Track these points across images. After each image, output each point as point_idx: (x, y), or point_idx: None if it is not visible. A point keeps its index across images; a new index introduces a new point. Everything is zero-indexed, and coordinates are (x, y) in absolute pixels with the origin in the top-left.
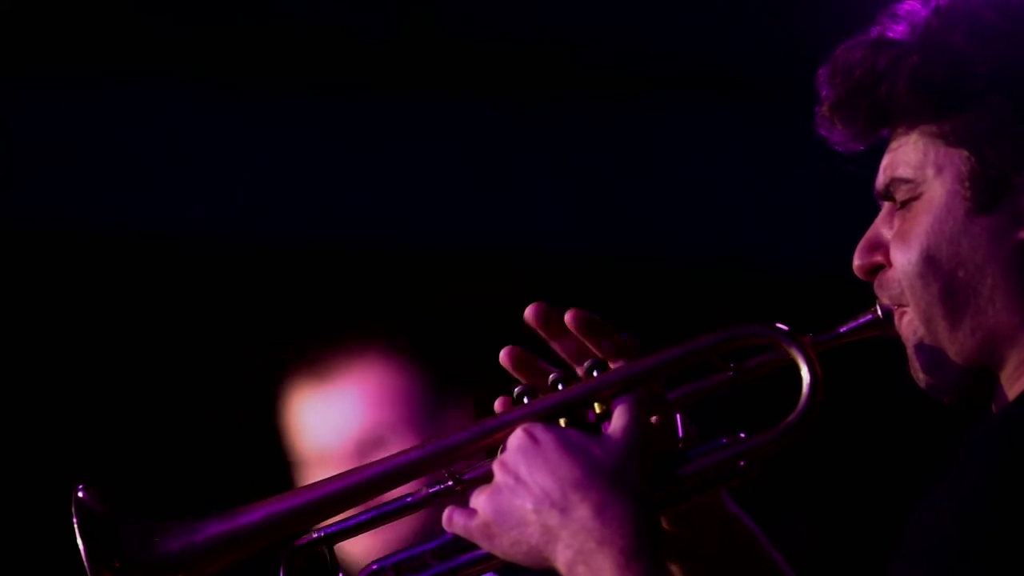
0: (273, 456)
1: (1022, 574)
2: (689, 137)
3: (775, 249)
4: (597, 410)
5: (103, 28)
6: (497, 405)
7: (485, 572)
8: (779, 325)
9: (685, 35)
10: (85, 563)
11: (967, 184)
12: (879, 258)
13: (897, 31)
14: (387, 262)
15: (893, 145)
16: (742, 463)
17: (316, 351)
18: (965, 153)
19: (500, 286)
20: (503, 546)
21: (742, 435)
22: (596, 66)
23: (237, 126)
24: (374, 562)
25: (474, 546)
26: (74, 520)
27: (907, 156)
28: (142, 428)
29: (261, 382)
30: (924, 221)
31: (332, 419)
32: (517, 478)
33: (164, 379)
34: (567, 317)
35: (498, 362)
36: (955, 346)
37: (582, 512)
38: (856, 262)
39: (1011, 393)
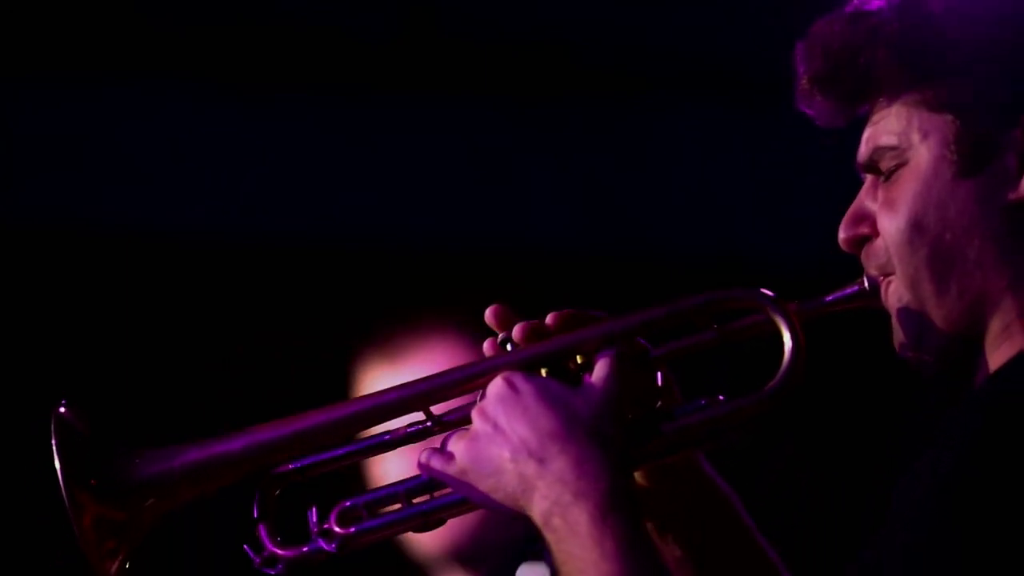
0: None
1: (1004, 551)
2: (689, 137)
3: (775, 249)
4: (579, 361)
5: (103, 28)
6: (485, 347)
7: (457, 515)
8: (764, 291)
9: (685, 35)
10: (60, 480)
11: (953, 148)
12: (865, 229)
13: (874, 3)
14: (387, 262)
15: (875, 117)
16: (721, 426)
17: (320, 349)
18: (950, 118)
19: (500, 286)
20: (478, 493)
21: (721, 398)
22: (596, 66)
23: (237, 126)
24: (347, 499)
25: (448, 490)
26: (52, 437)
27: (890, 125)
28: (141, 428)
29: (259, 381)
30: (911, 187)
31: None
32: (496, 426)
33: (164, 378)
34: (548, 321)
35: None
36: (941, 311)
37: (559, 464)
38: (842, 235)
39: (993, 360)
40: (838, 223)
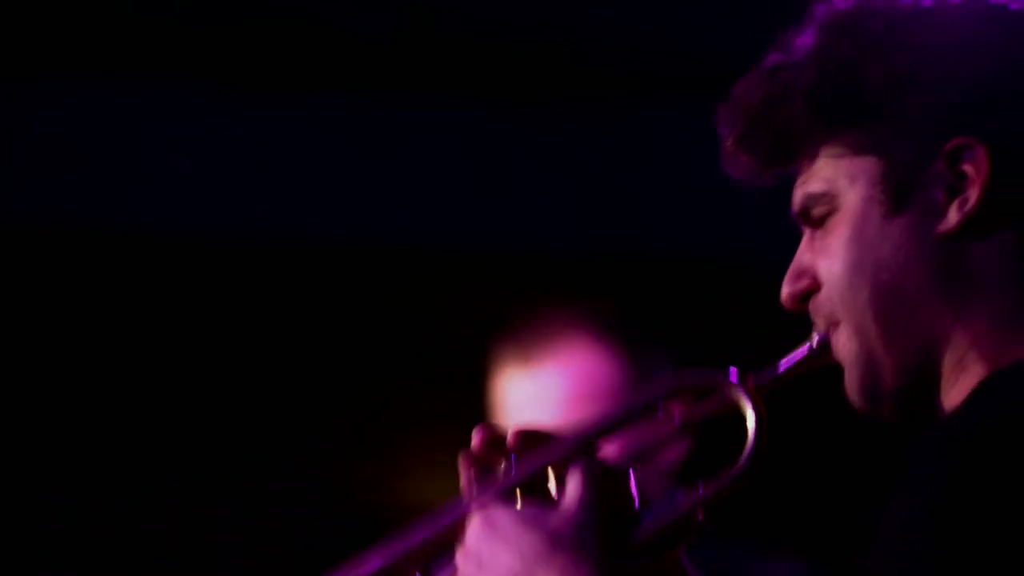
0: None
1: None
2: (690, 137)
3: (777, 249)
4: (551, 481)
5: (103, 28)
6: (456, 497)
7: None
8: (717, 371)
9: (685, 35)
10: None
11: (880, 188)
12: (806, 282)
13: (790, 56)
14: (386, 262)
15: (804, 167)
16: (699, 516)
17: (321, 349)
18: (874, 159)
19: (500, 286)
20: None
21: (698, 489)
22: (596, 66)
23: (236, 126)
24: None
25: None
26: None
27: (819, 173)
28: (141, 428)
29: (261, 378)
30: (843, 232)
31: (537, 403)
32: (479, 563)
33: (163, 378)
34: (510, 441)
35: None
36: (891, 355)
37: None
38: (784, 291)
39: (948, 399)
40: None
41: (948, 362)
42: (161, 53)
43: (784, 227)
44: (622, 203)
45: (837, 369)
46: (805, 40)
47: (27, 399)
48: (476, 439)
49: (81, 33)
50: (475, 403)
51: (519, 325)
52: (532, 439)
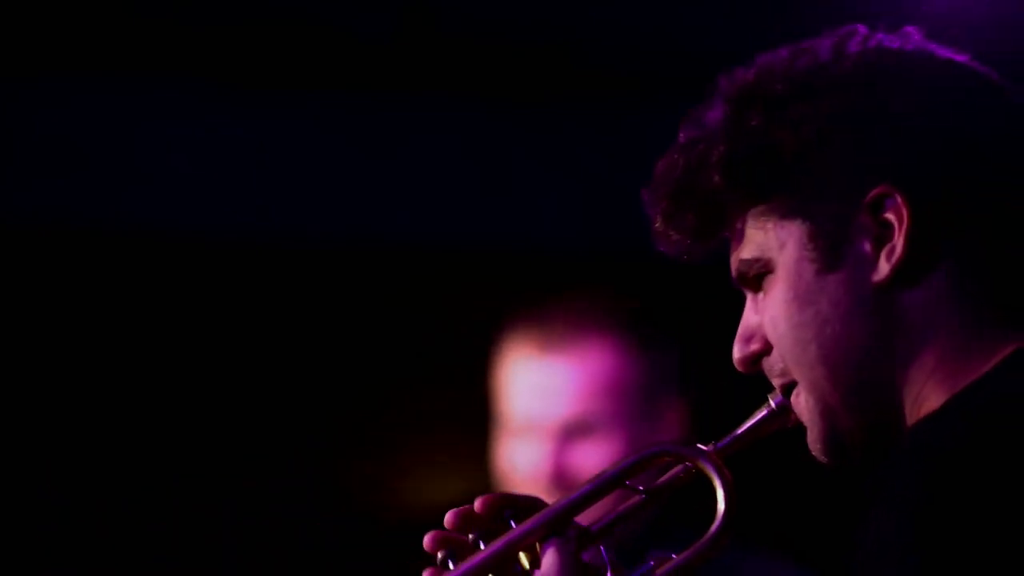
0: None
1: None
2: None
3: None
4: (524, 560)
5: (103, 28)
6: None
7: None
8: (678, 445)
9: (686, 35)
10: None
11: (809, 247)
12: (756, 345)
13: (701, 130)
14: (386, 262)
15: (735, 235)
16: None
17: (323, 349)
18: (798, 220)
19: (501, 286)
20: None
21: (672, 556)
22: (596, 66)
23: (236, 126)
24: None
25: None
26: None
27: (749, 239)
28: (141, 428)
29: (262, 378)
30: (780, 291)
31: (548, 392)
32: None
33: (164, 377)
34: (476, 507)
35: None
36: (848, 407)
37: None
38: (736, 355)
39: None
40: None
41: (907, 402)
42: (161, 53)
43: None
44: (622, 203)
45: None
46: (715, 113)
47: (27, 399)
48: (449, 519)
49: (81, 33)
50: (475, 403)
51: (532, 314)
52: (500, 506)
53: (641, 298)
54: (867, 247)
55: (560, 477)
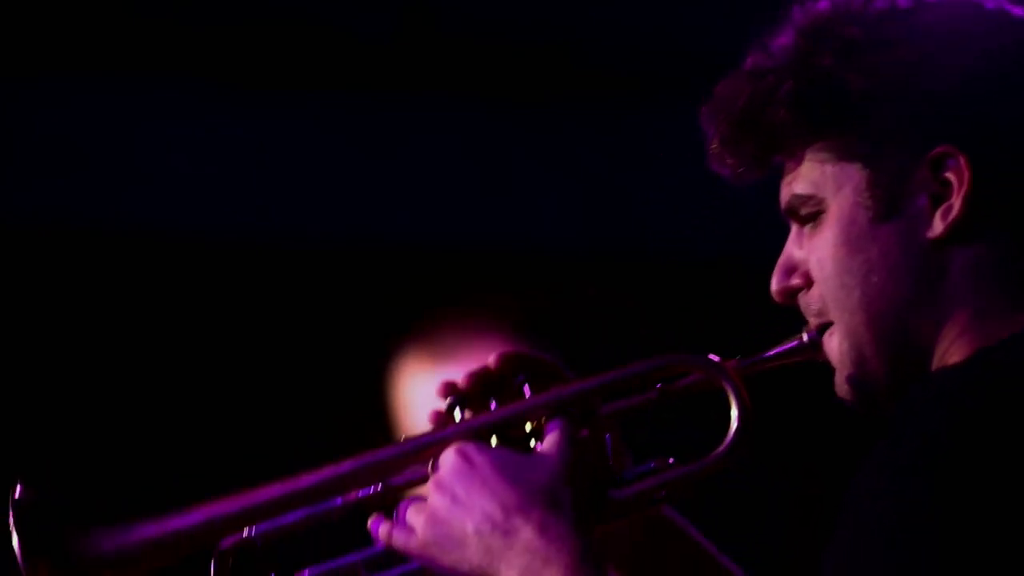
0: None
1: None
2: (691, 137)
3: (776, 249)
4: (528, 429)
5: (103, 28)
6: (430, 418)
7: None
8: (709, 357)
9: (685, 35)
10: (18, 555)
11: (866, 194)
12: (797, 280)
13: (770, 60)
14: (386, 262)
15: (790, 165)
16: (673, 489)
17: (320, 348)
18: (858, 165)
19: (501, 287)
20: (443, 565)
21: (671, 460)
22: (596, 66)
23: (236, 126)
24: (306, 569)
25: (405, 559)
26: (10, 514)
27: (804, 174)
28: (141, 427)
29: (262, 378)
30: (832, 233)
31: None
32: (454, 499)
33: (164, 376)
34: (491, 361)
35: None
36: (881, 356)
37: (525, 534)
38: (774, 287)
39: None
40: None
41: (936, 355)
42: (161, 53)
43: (783, 227)
44: (622, 203)
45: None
46: (784, 42)
47: (27, 398)
48: (463, 378)
49: (81, 33)
50: None
51: (424, 326)
52: (514, 361)
53: (530, 301)
54: (924, 203)
55: None
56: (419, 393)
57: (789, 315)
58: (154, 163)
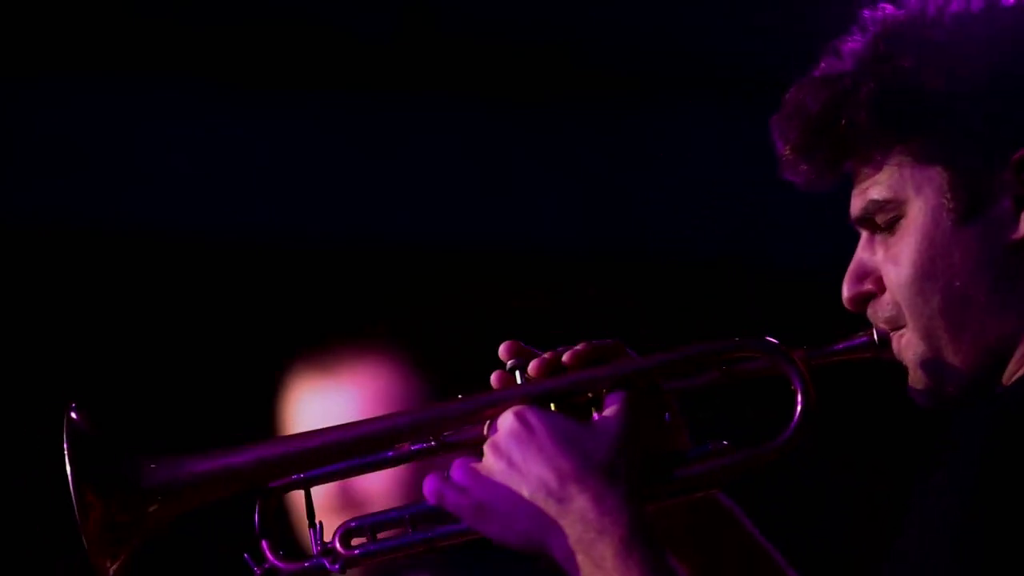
0: None
1: (1015, 549)
2: (691, 137)
3: (779, 249)
4: (588, 398)
5: (103, 28)
6: (493, 379)
7: (460, 543)
8: (774, 341)
9: (686, 35)
10: (69, 480)
11: (949, 197)
12: (870, 286)
13: (845, 64)
14: (386, 262)
15: (863, 172)
16: (731, 473)
17: (319, 348)
18: (939, 168)
19: (501, 287)
20: (493, 528)
21: (724, 443)
22: (596, 66)
23: (236, 126)
24: (352, 519)
25: (454, 517)
26: (64, 439)
27: (881, 179)
28: (141, 427)
29: (262, 378)
30: (913, 239)
31: (330, 415)
32: (510, 463)
33: (165, 375)
34: (565, 359)
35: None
36: (959, 357)
37: (580, 503)
38: (846, 293)
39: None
40: (841, 223)
41: (1012, 361)
42: (161, 53)
43: (783, 227)
44: (622, 203)
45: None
46: (858, 46)
47: (27, 398)
48: (534, 364)
49: (81, 33)
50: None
51: (312, 345)
52: (587, 357)
53: (530, 301)
54: (1008, 204)
55: (346, 498)
56: (419, 393)
57: (789, 315)
58: (154, 163)
